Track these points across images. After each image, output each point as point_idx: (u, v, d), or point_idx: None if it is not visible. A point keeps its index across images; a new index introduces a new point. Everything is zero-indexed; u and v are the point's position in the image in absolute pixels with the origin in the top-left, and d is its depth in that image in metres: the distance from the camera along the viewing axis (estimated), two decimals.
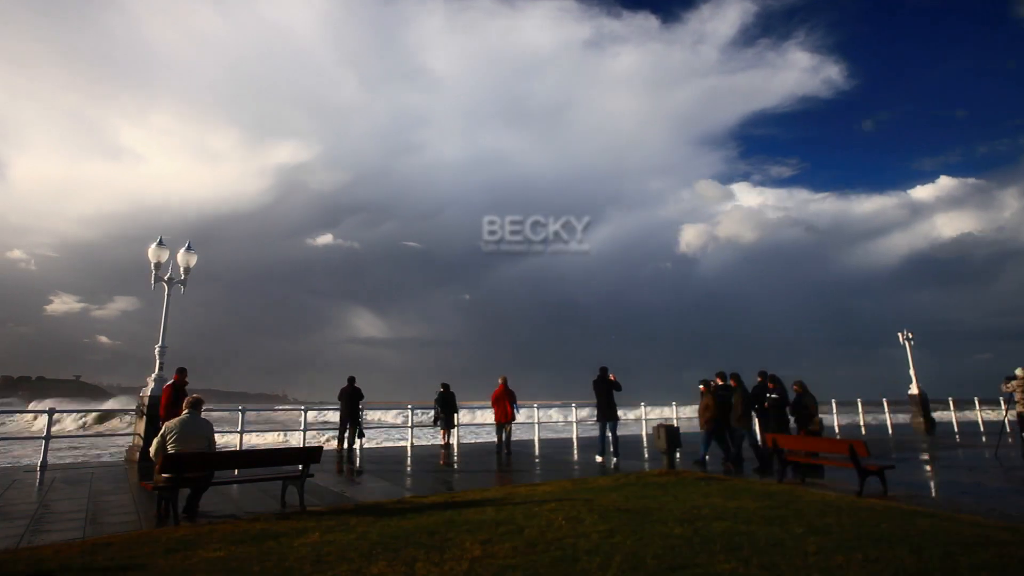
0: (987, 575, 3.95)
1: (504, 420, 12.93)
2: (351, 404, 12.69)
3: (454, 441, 14.21)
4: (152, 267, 12.09)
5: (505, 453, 12.57)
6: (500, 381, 13.16)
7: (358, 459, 11.85)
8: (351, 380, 13.00)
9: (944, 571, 4.00)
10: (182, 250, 12.56)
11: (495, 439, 13.24)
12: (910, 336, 20.48)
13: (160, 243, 12.14)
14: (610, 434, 11.56)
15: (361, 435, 12.82)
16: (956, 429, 19.98)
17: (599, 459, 11.51)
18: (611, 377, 11.69)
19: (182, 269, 12.52)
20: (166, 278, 12.29)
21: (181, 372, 10.21)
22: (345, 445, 12.66)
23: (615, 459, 11.40)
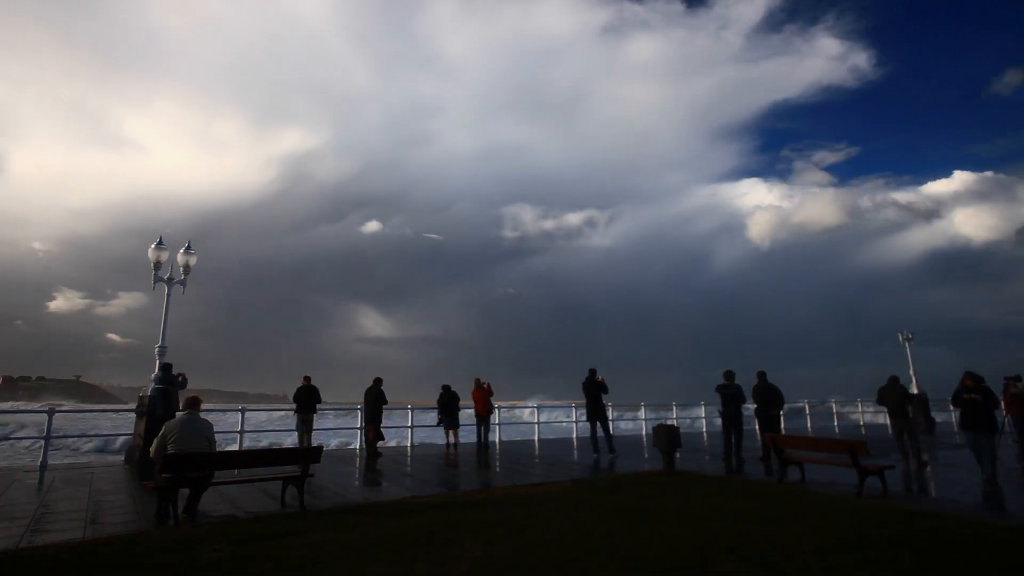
0: (987, 575, 3.95)
1: (483, 413, 13.76)
2: (375, 404, 12.80)
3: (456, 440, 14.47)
4: (152, 267, 12.09)
5: (482, 446, 13.24)
6: (475, 381, 13.97)
7: (375, 459, 11.84)
8: (377, 381, 13.06)
9: (944, 571, 4.00)
10: (182, 250, 12.57)
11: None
12: (909, 336, 20.48)
13: (160, 243, 12.15)
14: (601, 432, 12.03)
15: (381, 437, 12.91)
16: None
17: (595, 456, 11.93)
18: (599, 379, 12.21)
19: (182, 269, 12.52)
20: (166, 278, 12.30)
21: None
22: (599, 449, 12.52)
23: (611, 455, 11.71)
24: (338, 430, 19.87)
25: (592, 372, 12.34)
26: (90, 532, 5.60)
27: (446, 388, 13.97)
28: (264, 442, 20.18)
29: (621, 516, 5.79)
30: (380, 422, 12.86)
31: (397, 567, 4.14)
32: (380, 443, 12.84)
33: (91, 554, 4.58)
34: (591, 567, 4.11)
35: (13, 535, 5.49)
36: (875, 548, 4.53)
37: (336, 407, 20.00)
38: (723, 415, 11.34)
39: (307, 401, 12.67)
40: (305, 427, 12.57)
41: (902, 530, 5.16)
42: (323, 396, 12.87)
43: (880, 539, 4.83)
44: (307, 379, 12.80)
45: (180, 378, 11.27)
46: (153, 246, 12.12)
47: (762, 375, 11.40)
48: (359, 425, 14.59)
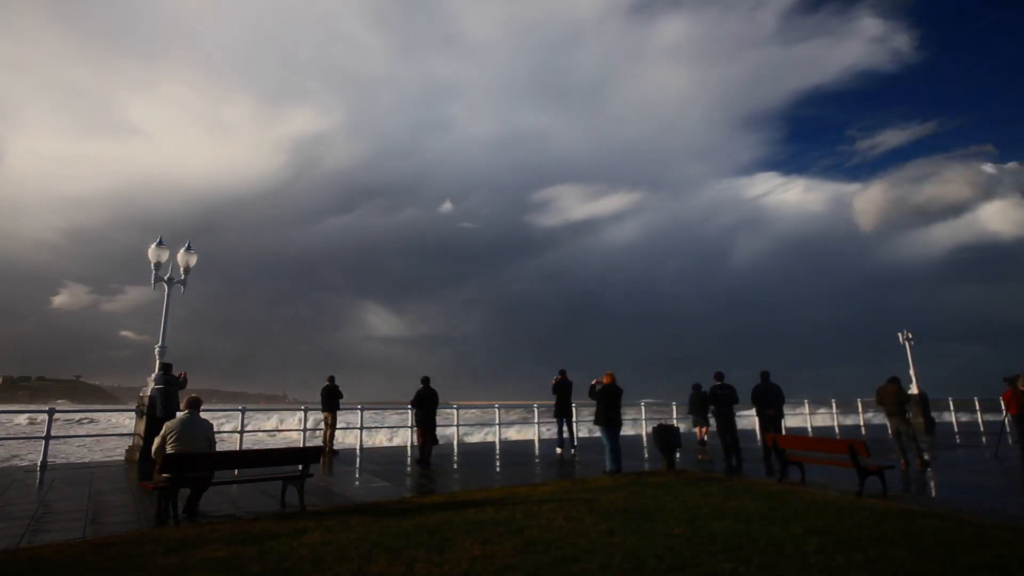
0: (987, 575, 3.95)
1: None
2: (426, 407, 11.44)
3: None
4: (152, 267, 12.10)
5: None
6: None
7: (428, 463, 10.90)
8: (425, 381, 11.62)
9: (944, 571, 4.00)
10: (182, 250, 12.58)
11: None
12: (910, 336, 20.50)
13: (160, 243, 12.16)
14: (566, 429, 12.90)
15: (435, 442, 11.46)
16: (956, 429, 19.97)
17: (558, 451, 12.80)
18: (569, 381, 13.03)
19: (182, 269, 12.53)
20: (166, 278, 12.30)
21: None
22: (563, 446, 12.88)
23: (572, 450, 12.79)
24: (347, 430, 19.90)
25: (563, 373, 13.19)
26: (90, 532, 5.60)
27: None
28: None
29: (621, 516, 5.79)
30: (433, 425, 11.44)
31: (397, 567, 4.14)
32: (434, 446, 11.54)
33: (91, 554, 4.58)
34: (591, 567, 4.11)
35: (13, 535, 5.50)
36: (875, 548, 4.53)
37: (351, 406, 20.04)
38: (716, 415, 11.37)
39: (331, 400, 12.68)
40: (328, 425, 12.57)
41: (902, 530, 5.16)
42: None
43: (880, 539, 4.83)
44: (331, 379, 12.83)
45: (181, 377, 11.28)
46: (153, 246, 12.13)
47: (765, 375, 11.43)
48: (359, 425, 14.68)
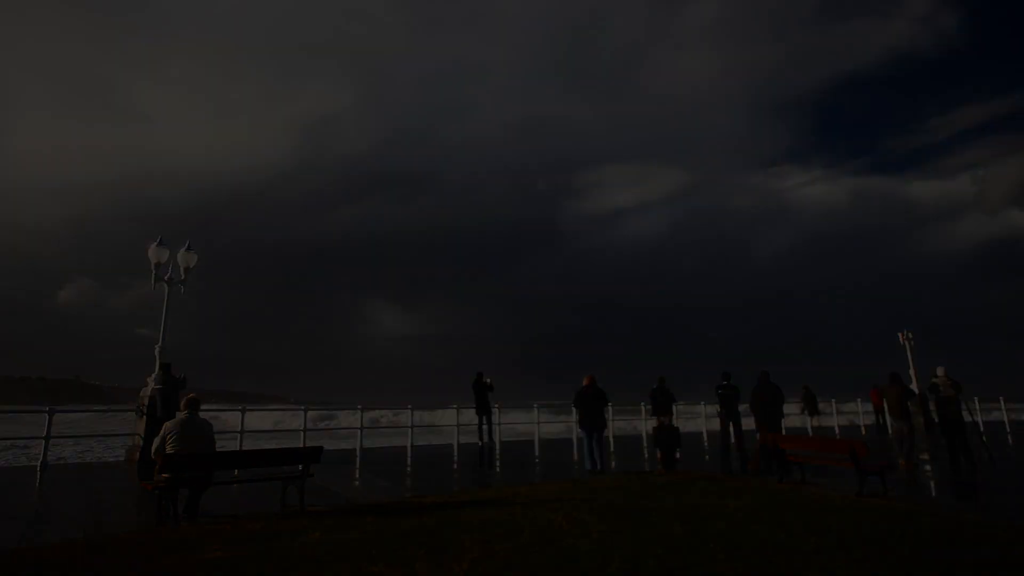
0: (987, 575, 3.95)
1: None
2: (481, 399, 14.11)
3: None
4: (152, 267, 12.08)
5: None
6: None
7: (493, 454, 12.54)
8: (479, 375, 14.22)
9: (944, 571, 4.00)
10: (182, 250, 12.55)
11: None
12: (910, 336, 20.50)
13: (160, 243, 12.14)
14: (486, 426, 14.09)
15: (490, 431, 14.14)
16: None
17: (479, 444, 13.93)
18: (486, 381, 14.18)
19: (182, 269, 12.51)
20: (167, 278, 12.29)
21: None
22: (483, 439, 14.03)
23: (490, 444, 13.78)
24: (342, 429, 19.81)
25: (480, 374, 14.26)
26: (90, 532, 5.60)
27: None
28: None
29: (621, 516, 5.79)
30: (490, 414, 14.14)
31: (397, 567, 4.14)
32: (483, 433, 14.08)
33: (91, 554, 4.58)
34: (591, 567, 4.11)
35: (13, 535, 5.50)
36: (875, 548, 4.53)
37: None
38: (721, 415, 11.41)
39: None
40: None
41: (902, 530, 5.16)
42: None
43: (880, 539, 4.83)
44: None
45: (182, 378, 11.28)
46: (153, 246, 12.10)
47: (765, 374, 11.45)
48: (358, 426, 14.63)
